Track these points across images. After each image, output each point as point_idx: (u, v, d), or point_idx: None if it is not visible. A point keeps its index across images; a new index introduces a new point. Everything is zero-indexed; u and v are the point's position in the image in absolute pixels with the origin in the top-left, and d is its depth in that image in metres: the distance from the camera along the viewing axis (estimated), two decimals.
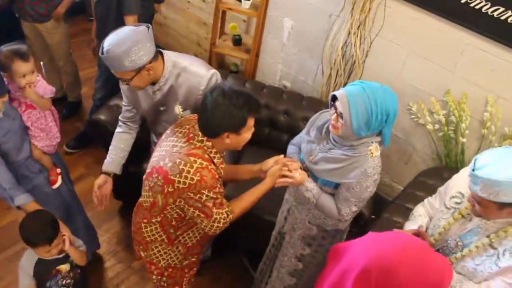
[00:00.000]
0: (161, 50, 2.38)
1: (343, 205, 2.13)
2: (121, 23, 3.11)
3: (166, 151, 2.00)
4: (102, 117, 3.10)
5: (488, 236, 1.80)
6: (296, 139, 2.41)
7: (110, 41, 2.19)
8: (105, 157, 2.66)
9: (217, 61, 3.89)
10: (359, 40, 3.20)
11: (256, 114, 1.98)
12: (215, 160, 1.99)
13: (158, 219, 2.12)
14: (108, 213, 3.49)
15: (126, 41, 2.16)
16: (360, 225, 2.68)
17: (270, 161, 2.23)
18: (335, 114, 1.99)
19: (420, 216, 2.13)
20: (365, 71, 3.29)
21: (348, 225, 2.40)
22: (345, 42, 3.24)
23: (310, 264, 2.50)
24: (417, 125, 3.27)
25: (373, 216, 2.81)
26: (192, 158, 1.92)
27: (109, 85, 3.49)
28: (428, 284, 1.37)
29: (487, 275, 1.81)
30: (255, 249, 3.06)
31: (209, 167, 1.93)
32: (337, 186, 2.15)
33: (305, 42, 3.64)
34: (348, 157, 2.05)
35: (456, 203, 1.93)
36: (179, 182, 1.91)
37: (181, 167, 1.90)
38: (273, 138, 3.28)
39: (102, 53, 2.19)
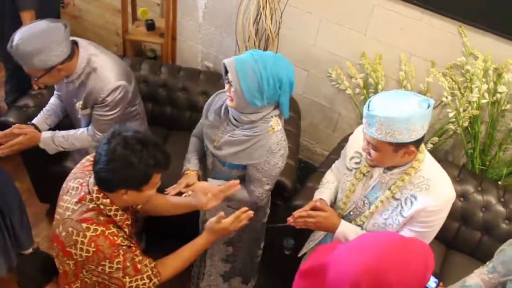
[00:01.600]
0: (78, 42, 2.28)
1: (255, 186, 2.10)
2: (18, 21, 2.94)
3: (60, 215, 1.72)
4: (11, 119, 2.93)
5: (389, 189, 1.82)
6: (198, 128, 2.34)
7: (21, 35, 2.07)
8: (20, 161, 2.67)
9: (134, 49, 3.76)
10: (270, 12, 3.14)
11: (164, 169, 1.67)
12: (117, 218, 1.70)
13: (78, 284, 1.83)
14: (36, 216, 3.33)
15: (38, 39, 2.05)
16: (284, 197, 2.65)
17: (200, 194, 1.99)
18: (228, 84, 1.94)
19: (328, 182, 2.12)
20: (280, 44, 3.24)
21: (268, 199, 2.37)
22: (257, 16, 3.17)
23: (240, 246, 2.47)
24: (339, 91, 3.27)
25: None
26: (84, 225, 1.63)
27: (21, 86, 3.32)
28: (417, 278, 1.36)
29: (396, 227, 1.85)
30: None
31: (106, 232, 1.64)
32: (245, 167, 2.10)
33: (220, 20, 3.56)
34: (250, 137, 2.00)
35: (356, 163, 1.94)
36: (75, 254, 1.64)
37: (74, 237, 1.62)
38: (195, 121, 3.19)
39: (11, 47, 2.07)
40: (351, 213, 1.98)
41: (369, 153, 1.77)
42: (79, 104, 2.36)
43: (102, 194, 1.67)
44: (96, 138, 2.43)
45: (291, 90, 1.99)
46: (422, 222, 1.79)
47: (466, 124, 2.83)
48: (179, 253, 1.85)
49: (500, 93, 2.73)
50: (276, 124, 2.00)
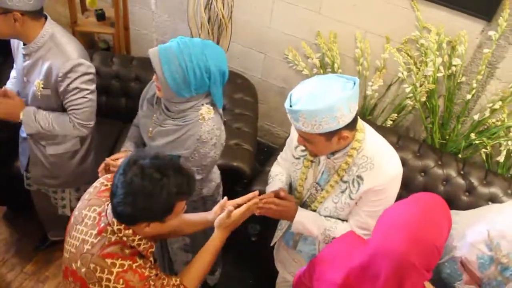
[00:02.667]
0: (48, 18, 2.15)
1: None
2: None
3: (76, 248, 1.55)
4: None
5: (337, 172, 1.79)
6: (136, 117, 2.26)
7: None
8: None
9: (86, 41, 3.62)
10: None
11: (188, 196, 1.52)
12: (141, 248, 1.55)
13: None
14: None
15: None
16: (244, 183, 2.60)
17: (216, 208, 1.86)
18: (155, 74, 1.86)
19: (277, 175, 2.07)
20: (235, 28, 3.17)
21: (217, 188, 2.30)
22: (208, 1, 3.08)
23: (196, 236, 2.41)
24: (297, 73, 3.21)
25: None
26: (109, 261, 1.48)
27: None
28: (447, 227, 1.41)
29: (348, 209, 1.83)
30: None
31: (134, 266, 1.50)
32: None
33: (172, 7, 3.46)
34: (180, 126, 1.94)
35: (302, 150, 1.90)
36: None
37: (98, 274, 1.48)
38: None
39: None
40: (307, 201, 1.95)
41: (305, 145, 1.73)
42: (38, 83, 2.16)
43: (123, 225, 1.51)
44: (80, 130, 2.27)
45: (223, 80, 1.93)
46: (373, 202, 1.76)
47: (423, 99, 2.82)
48: (199, 260, 1.74)
49: (455, 66, 2.72)
50: (207, 112, 1.93)
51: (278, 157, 2.14)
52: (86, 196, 1.67)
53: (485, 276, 1.45)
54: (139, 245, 1.54)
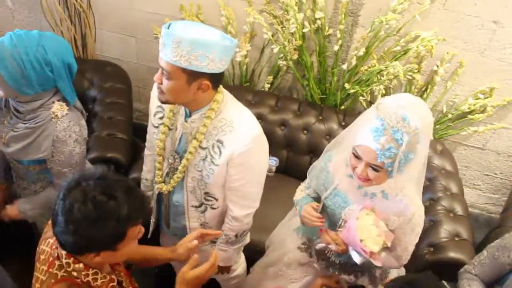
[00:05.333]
0: None
1: (60, 179, 1.91)
2: None
3: None
4: None
5: (195, 138, 1.70)
6: None
7: None
8: None
9: None
10: None
11: (142, 218, 1.33)
12: (98, 283, 1.36)
13: None
14: None
15: None
16: (121, 173, 2.50)
17: (182, 249, 1.66)
18: None
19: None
20: (98, 15, 3.02)
21: None
22: None
23: None
24: None
25: None
26: None
27: None
28: None
29: (213, 178, 1.74)
30: None
31: None
32: (44, 161, 1.89)
33: (30, 1, 3.21)
34: (33, 129, 1.80)
35: (160, 118, 1.80)
36: None
37: None
38: None
39: None
40: (169, 172, 1.86)
41: (160, 87, 1.59)
42: None
43: (72, 258, 1.31)
44: None
45: (71, 73, 1.80)
46: (239, 167, 1.70)
47: (295, 57, 2.79)
48: None
49: (319, 19, 2.70)
50: (59, 109, 1.80)
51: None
52: (45, 229, 1.48)
53: (380, 145, 1.46)
54: (95, 280, 1.34)
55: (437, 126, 2.98)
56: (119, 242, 1.28)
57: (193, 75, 1.52)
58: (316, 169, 1.87)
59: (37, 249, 1.45)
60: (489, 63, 2.74)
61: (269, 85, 2.94)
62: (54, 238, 1.34)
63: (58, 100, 1.81)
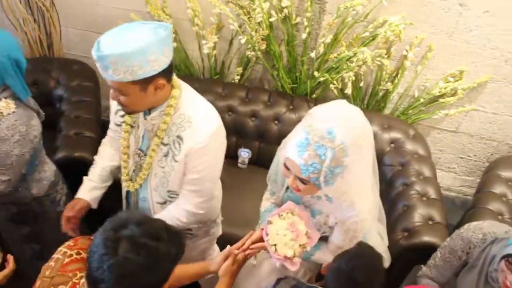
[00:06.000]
0: None
1: None
2: None
3: None
4: None
5: (157, 135, 1.68)
6: None
7: None
8: None
9: None
10: None
11: (184, 251, 1.27)
12: None
13: None
14: None
15: None
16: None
17: (219, 257, 1.69)
18: None
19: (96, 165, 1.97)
20: (63, 12, 2.96)
21: (53, 187, 2.11)
22: None
23: (44, 240, 2.25)
24: None
25: None
26: None
27: None
28: None
29: (174, 174, 1.73)
30: None
31: None
32: None
33: None
34: None
35: (121, 116, 1.78)
36: None
37: None
38: None
39: None
40: (135, 170, 1.83)
41: (119, 102, 1.59)
42: None
43: None
44: None
45: (20, 69, 1.74)
46: (198, 165, 1.68)
47: (263, 47, 2.77)
48: None
49: (285, 7, 2.67)
50: (6, 107, 1.74)
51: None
52: (47, 272, 1.35)
53: (303, 160, 1.41)
54: None
55: (410, 111, 2.98)
56: (164, 283, 1.21)
57: (144, 82, 1.50)
58: (272, 173, 1.85)
59: None
60: (457, 46, 2.74)
61: (239, 77, 2.91)
62: (69, 284, 1.27)
63: (6, 98, 1.75)
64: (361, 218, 1.62)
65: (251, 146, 2.82)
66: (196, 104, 1.70)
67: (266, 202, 1.90)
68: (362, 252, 1.48)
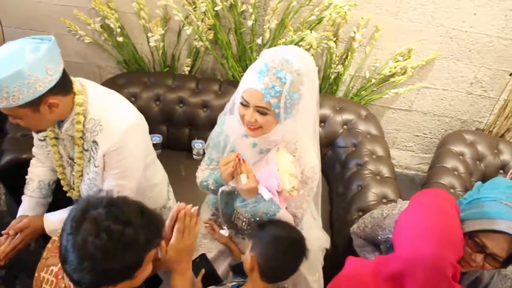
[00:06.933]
0: None
1: None
2: None
3: None
4: None
5: (76, 143, 1.67)
6: None
7: None
8: None
9: None
10: None
11: (160, 238, 1.23)
12: None
13: None
14: None
15: None
16: None
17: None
18: None
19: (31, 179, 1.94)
20: (3, 12, 2.88)
21: None
22: None
23: None
24: (88, 44, 2.98)
25: None
26: None
27: None
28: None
29: (100, 179, 1.72)
30: None
31: None
32: None
33: None
34: None
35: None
36: None
37: None
38: None
39: None
40: (74, 181, 1.80)
41: (19, 124, 1.54)
42: None
43: None
44: None
45: None
46: (117, 163, 1.66)
47: (211, 37, 2.74)
48: None
49: None
50: None
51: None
52: (44, 253, 1.36)
53: (264, 84, 1.45)
54: None
55: (363, 92, 3.00)
56: (137, 269, 1.18)
57: (32, 105, 1.45)
58: (213, 137, 1.84)
59: (36, 275, 1.33)
60: (403, 25, 2.77)
61: (189, 68, 2.89)
62: (59, 266, 1.23)
63: None
64: (315, 164, 1.66)
65: (205, 137, 2.78)
66: (105, 105, 1.65)
67: (203, 173, 1.86)
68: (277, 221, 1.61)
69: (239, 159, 1.56)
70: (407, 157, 3.39)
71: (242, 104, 1.54)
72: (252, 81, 1.48)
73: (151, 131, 2.80)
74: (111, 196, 1.19)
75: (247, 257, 1.56)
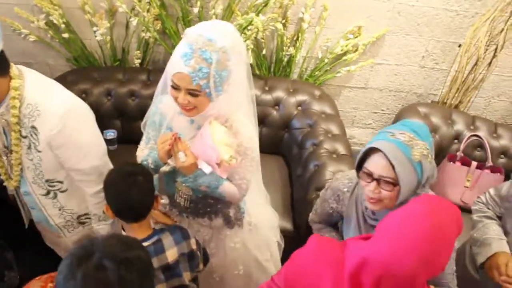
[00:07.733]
0: None
1: None
2: None
3: None
4: None
5: (13, 130, 1.62)
6: None
7: None
8: None
9: None
10: None
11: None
12: None
13: None
14: None
15: None
16: None
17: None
18: None
19: None
20: None
21: None
22: None
23: None
24: (35, 43, 2.91)
25: None
26: None
27: None
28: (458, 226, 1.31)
29: (45, 164, 1.69)
30: None
31: None
32: None
33: None
34: None
35: None
36: None
37: None
38: None
39: None
40: (13, 170, 1.76)
41: None
42: None
43: None
44: None
45: None
46: (62, 148, 1.63)
47: (158, 27, 2.71)
48: None
49: None
50: None
51: None
52: None
53: (191, 67, 1.45)
54: None
55: (317, 73, 3.01)
56: None
57: None
58: (149, 116, 1.82)
59: None
60: (351, 2, 2.78)
61: (140, 61, 2.85)
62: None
63: None
64: (253, 134, 1.68)
65: None
66: (42, 90, 1.62)
67: (142, 152, 1.84)
68: None
69: (175, 138, 1.56)
70: (367, 134, 3.42)
71: (173, 87, 1.52)
72: (179, 65, 1.47)
73: (105, 127, 2.80)
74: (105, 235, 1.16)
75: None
